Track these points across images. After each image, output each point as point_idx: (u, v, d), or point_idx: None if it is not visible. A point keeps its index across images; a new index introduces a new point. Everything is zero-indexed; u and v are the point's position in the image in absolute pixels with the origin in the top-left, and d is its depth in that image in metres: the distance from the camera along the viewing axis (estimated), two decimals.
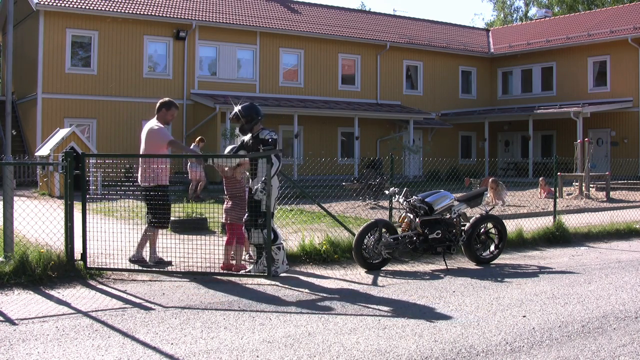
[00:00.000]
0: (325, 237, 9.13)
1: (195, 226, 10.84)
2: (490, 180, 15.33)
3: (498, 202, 14.39)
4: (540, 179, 19.48)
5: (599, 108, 29.40)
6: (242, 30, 28.30)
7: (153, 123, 8.37)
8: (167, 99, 8.66)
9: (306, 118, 28.29)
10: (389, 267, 8.41)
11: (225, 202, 8.34)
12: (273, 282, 7.43)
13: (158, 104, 8.49)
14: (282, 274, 7.75)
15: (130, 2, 26.56)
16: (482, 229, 8.96)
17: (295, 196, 10.56)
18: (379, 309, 6.24)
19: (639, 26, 29.86)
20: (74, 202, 7.68)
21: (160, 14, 26.58)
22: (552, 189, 15.38)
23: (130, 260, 8.13)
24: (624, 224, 12.28)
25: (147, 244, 8.33)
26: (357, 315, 5.99)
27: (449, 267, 8.53)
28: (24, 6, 25.54)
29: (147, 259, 8.30)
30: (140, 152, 8.48)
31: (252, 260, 8.70)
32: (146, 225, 8.28)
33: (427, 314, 6.07)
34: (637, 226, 12.28)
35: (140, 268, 7.96)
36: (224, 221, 8.46)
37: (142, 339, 5.21)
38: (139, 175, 8.28)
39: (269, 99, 28.01)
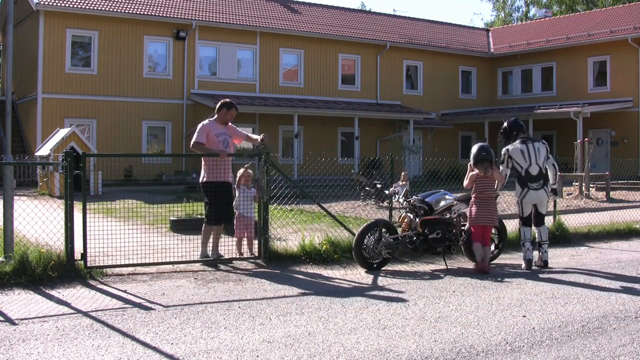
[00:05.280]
0: (325, 237, 9.13)
1: (197, 226, 10.81)
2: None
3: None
4: None
5: (599, 108, 29.40)
6: (242, 30, 28.30)
7: (206, 120, 8.87)
8: (227, 99, 9.03)
9: (306, 118, 28.29)
10: (389, 267, 8.41)
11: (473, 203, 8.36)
12: (273, 283, 7.43)
13: (218, 104, 8.85)
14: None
15: (130, 2, 26.56)
16: None
17: (295, 196, 10.57)
18: (379, 309, 6.24)
19: (639, 26, 29.86)
20: (74, 202, 7.68)
21: (160, 14, 26.59)
22: None
23: (215, 260, 8.46)
24: (624, 224, 12.28)
25: (210, 240, 8.60)
26: (357, 315, 5.98)
27: (449, 267, 8.53)
28: (24, 6, 25.55)
29: (210, 254, 8.57)
30: None
31: (249, 255, 8.69)
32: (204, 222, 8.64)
33: (427, 314, 6.07)
34: (637, 226, 12.28)
35: (142, 270, 7.96)
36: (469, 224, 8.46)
37: (142, 339, 5.21)
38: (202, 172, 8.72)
39: (269, 99, 28.01)
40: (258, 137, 8.87)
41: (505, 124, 8.90)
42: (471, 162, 8.49)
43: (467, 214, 8.48)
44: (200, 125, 8.69)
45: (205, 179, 8.55)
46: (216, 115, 8.83)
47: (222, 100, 9.00)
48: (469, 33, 38.43)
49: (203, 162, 8.66)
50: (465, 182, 8.53)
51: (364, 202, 16.56)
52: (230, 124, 8.90)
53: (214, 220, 8.49)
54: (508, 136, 8.87)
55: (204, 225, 8.62)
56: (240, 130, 9.13)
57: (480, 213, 8.30)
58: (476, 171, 8.40)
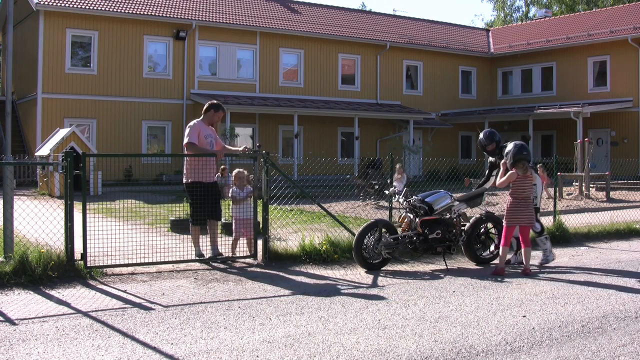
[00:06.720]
0: (325, 237, 9.13)
1: None
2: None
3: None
4: (539, 165, 19.40)
5: (599, 108, 29.40)
6: (242, 30, 28.30)
7: (194, 120, 8.80)
8: (215, 101, 9.01)
9: (306, 118, 28.29)
10: (389, 267, 8.41)
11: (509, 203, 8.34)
12: (273, 283, 7.43)
13: (206, 106, 8.83)
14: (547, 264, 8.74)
15: (130, 2, 26.56)
16: (482, 229, 8.95)
17: (295, 196, 10.57)
18: (379, 309, 6.24)
19: (639, 26, 29.86)
20: (74, 202, 7.68)
21: (160, 14, 26.58)
22: (551, 178, 15.44)
23: (211, 258, 8.50)
24: (624, 224, 12.27)
25: (203, 239, 8.63)
26: (357, 316, 5.99)
27: (449, 267, 8.53)
28: (24, 6, 25.54)
29: (207, 253, 8.60)
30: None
31: (249, 255, 8.70)
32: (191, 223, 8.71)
33: (427, 314, 6.07)
34: (637, 226, 12.27)
35: (142, 270, 7.96)
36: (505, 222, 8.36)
37: (142, 339, 5.21)
38: (184, 172, 8.70)
39: (269, 99, 28.02)
40: (239, 149, 9.03)
41: (486, 135, 9.18)
42: (508, 161, 8.35)
43: (505, 214, 8.32)
44: (191, 125, 8.66)
45: (190, 180, 8.49)
46: (203, 116, 8.79)
47: (209, 102, 8.96)
48: (469, 33, 38.43)
49: (187, 163, 8.58)
50: (500, 181, 8.37)
51: (364, 202, 16.56)
52: (212, 128, 8.86)
53: (200, 221, 8.51)
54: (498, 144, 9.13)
55: (190, 226, 8.68)
56: (219, 139, 9.10)
57: (521, 214, 8.18)
58: (514, 170, 8.27)
